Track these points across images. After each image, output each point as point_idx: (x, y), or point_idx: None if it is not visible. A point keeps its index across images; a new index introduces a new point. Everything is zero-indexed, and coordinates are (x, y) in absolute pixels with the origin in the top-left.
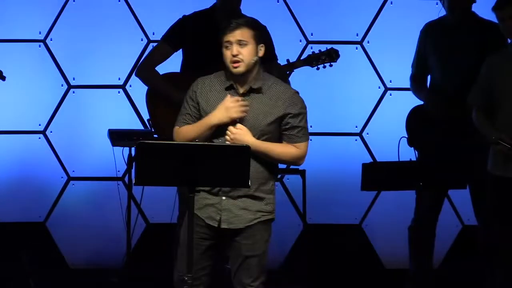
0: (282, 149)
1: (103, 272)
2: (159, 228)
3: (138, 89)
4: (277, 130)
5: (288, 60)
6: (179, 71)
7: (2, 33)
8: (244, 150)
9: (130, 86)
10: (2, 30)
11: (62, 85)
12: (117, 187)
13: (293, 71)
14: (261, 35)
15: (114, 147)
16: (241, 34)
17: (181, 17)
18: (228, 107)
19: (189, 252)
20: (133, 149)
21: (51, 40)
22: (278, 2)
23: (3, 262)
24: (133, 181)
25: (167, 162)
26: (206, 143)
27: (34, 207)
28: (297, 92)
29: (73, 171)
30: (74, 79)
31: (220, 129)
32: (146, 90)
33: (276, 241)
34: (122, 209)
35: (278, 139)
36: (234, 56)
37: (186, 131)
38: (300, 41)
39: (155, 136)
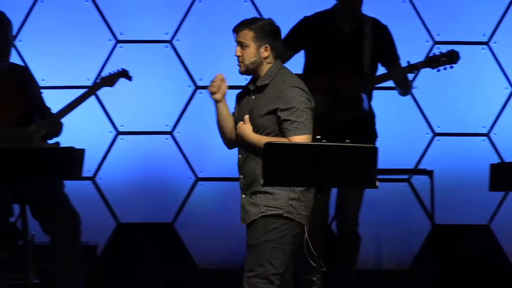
0: None
1: (231, 272)
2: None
3: None
4: (274, 125)
5: (408, 62)
6: (301, 72)
7: (129, 34)
8: (371, 151)
9: None
10: (129, 31)
11: (189, 86)
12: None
13: (414, 72)
14: (265, 36)
15: None
16: (241, 36)
17: (302, 18)
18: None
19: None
20: None
21: (177, 41)
22: (404, 2)
23: (131, 263)
24: (261, 182)
25: (294, 162)
26: (333, 143)
27: (162, 208)
28: (296, 86)
29: (201, 172)
30: (201, 79)
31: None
32: None
33: (404, 241)
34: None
35: (280, 135)
36: (237, 57)
37: None
38: (427, 41)
39: None
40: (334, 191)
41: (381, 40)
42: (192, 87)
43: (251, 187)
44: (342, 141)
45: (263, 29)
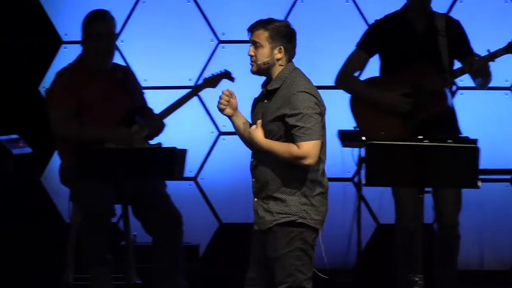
0: (282, 148)
1: (333, 272)
2: (390, 229)
3: None
4: (282, 130)
5: (488, 50)
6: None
7: (231, 34)
8: (472, 151)
9: None
10: (231, 31)
11: None
12: (347, 188)
13: (494, 60)
14: (280, 37)
15: (344, 148)
16: (256, 35)
17: (373, 22)
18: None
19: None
20: (362, 149)
21: None
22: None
23: (233, 263)
24: (363, 182)
25: (397, 162)
26: (435, 143)
27: None
28: (303, 91)
29: None
30: None
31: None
32: (350, 97)
33: (507, 241)
34: (352, 210)
35: (289, 140)
36: (250, 56)
37: None
38: None
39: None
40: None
41: (455, 34)
42: None
43: (263, 191)
44: (441, 140)
45: (279, 30)
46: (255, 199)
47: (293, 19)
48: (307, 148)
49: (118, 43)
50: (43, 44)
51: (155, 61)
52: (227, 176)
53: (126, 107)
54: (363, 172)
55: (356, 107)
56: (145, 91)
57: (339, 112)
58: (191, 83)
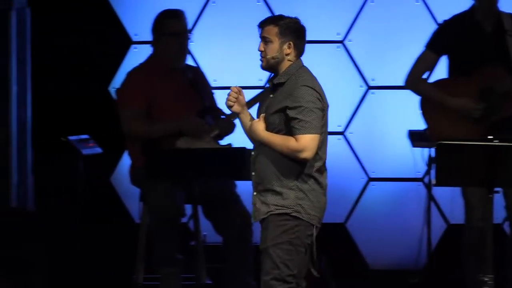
0: (281, 141)
1: (403, 273)
2: (460, 229)
3: None
4: (283, 123)
5: None
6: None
7: None
8: None
9: None
10: None
11: (361, 86)
12: (417, 188)
13: None
14: (289, 33)
15: (414, 148)
16: (266, 31)
17: (441, 22)
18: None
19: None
20: (432, 150)
21: (349, 41)
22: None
23: None
24: (433, 182)
25: (468, 162)
26: (507, 143)
27: (334, 208)
28: (306, 86)
29: (373, 172)
30: (373, 80)
31: None
32: (420, 99)
33: None
34: (422, 210)
35: (289, 134)
36: (260, 52)
37: None
38: None
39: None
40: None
41: None
42: (364, 87)
43: (261, 184)
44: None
45: (288, 26)
46: (254, 193)
47: (364, 19)
48: (305, 141)
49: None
50: (113, 45)
51: (225, 61)
52: None
53: (197, 107)
54: (433, 172)
55: (426, 109)
56: (215, 91)
57: (409, 112)
58: (261, 83)
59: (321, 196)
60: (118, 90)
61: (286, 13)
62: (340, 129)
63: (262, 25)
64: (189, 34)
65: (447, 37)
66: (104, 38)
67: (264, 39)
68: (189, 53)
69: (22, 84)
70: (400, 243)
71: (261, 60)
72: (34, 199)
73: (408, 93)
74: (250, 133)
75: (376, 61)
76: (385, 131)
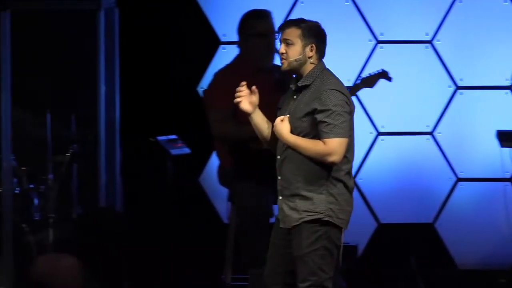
0: (309, 144)
1: (491, 273)
2: None
3: None
4: (310, 126)
5: None
6: None
7: (390, 34)
8: None
9: None
10: (389, 31)
11: (449, 86)
12: (505, 188)
13: None
14: (312, 35)
15: (502, 148)
16: (288, 33)
17: None
18: None
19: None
20: None
21: (438, 41)
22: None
23: (391, 263)
24: None
25: None
26: None
27: (422, 208)
28: (334, 89)
29: (461, 172)
30: (461, 79)
31: None
32: None
33: None
34: (510, 209)
35: (316, 137)
36: (281, 54)
37: None
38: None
39: None
40: None
41: None
42: (453, 87)
43: (288, 189)
44: None
45: (311, 28)
46: (280, 197)
47: (452, 19)
48: (333, 145)
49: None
50: (202, 45)
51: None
52: (385, 176)
53: None
54: None
55: None
56: None
57: (497, 112)
58: (350, 84)
59: (349, 200)
60: (205, 91)
61: (374, 14)
62: (428, 129)
63: (283, 27)
64: (276, 35)
65: None
66: (193, 38)
67: (286, 41)
68: (277, 52)
69: (111, 85)
70: (488, 242)
71: (282, 62)
72: (122, 199)
73: (496, 93)
74: (271, 137)
75: (464, 61)
76: (473, 131)
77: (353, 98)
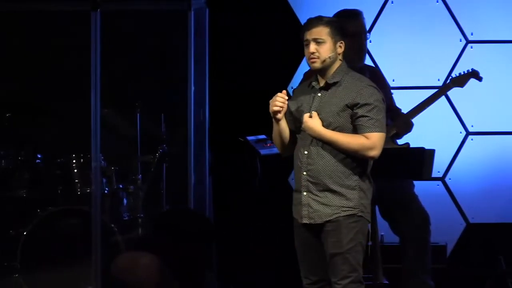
0: (349, 139)
1: None
2: None
3: None
4: (348, 122)
5: None
6: None
7: (480, 34)
8: None
9: None
10: (480, 31)
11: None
12: None
13: None
14: (340, 32)
15: None
16: (317, 32)
17: None
18: (271, 102)
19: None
20: None
21: None
22: (437, 2)
23: (481, 263)
24: None
25: None
26: None
27: (511, 208)
28: (372, 86)
29: None
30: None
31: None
32: None
33: None
34: None
35: (351, 132)
36: (311, 53)
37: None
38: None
39: None
40: None
41: None
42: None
43: (318, 184)
44: None
45: (337, 26)
46: (304, 193)
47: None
48: (375, 139)
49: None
50: (291, 44)
51: (403, 61)
52: (474, 176)
53: None
54: None
55: None
56: (393, 91)
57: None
58: (439, 83)
59: (372, 193)
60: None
61: (465, 13)
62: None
63: (310, 27)
64: (367, 34)
65: None
66: (282, 37)
67: (316, 40)
68: (367, 53)
69: (200, 84)
70: None
71: (313, 61)
72: (212, 199)
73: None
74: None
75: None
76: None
77: (443, 98)
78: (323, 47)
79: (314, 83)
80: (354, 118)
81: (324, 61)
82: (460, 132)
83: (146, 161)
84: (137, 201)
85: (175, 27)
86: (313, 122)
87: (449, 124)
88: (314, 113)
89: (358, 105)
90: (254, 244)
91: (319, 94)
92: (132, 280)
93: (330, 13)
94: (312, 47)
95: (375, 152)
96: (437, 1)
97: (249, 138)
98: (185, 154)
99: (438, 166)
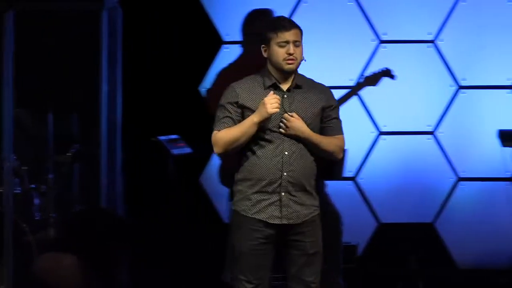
0: (329, 140)
1: (491, 272)
2: None
3: None
4: (318, 123)
5: None
6: None
7: (393, 34)
8: None
9: None
10: (392, 31)
11: (451, 86)
12: (506, 188)
13: None
14: None
15: (504, 148)
16: (296, 34)
17: None
18: (268, 103)
19: None
20: None
21: (441, 41)
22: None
23: (391, 262)
24: None
25: None
26: None
27: (423, 208)
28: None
29: (463, 172)
30: (464, 79)
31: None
32: None
33: None
34: (511, 209)
35: (319, 132)
36: (291, 54)
37: (228, 133)
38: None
39: None
40: None
41: None
42: (455, 87)
43: (295, 185)
44: None
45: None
46: (283, 193)
47: (455, 19)
48: (343, 141)
49: None
50: (204, 45)
51: (316, 61)
52: (386, 176)
53: None
54: None
55: None
56: None
57: (499, 112)
58: (352, 83)
59: None
60: (208, 90)
61: (378, 13)
62: (430, 129)
63: (291, 28)
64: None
65: None
66: (195, 38)
67: (295, 43)
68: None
69: (113, 84)
70: (489, 242)
71: (291, 63)
72: (123, 199)
73: (498, 92)
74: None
75: (467, 61)
76: (475, 131)
77: (355, 98)
78: (298, 50)
79: (278, 85)
80: (326, 120)
81: (298, 63)
82: (372, 132)
83: (58, 161)
84: (49, 201)
85: (89, 27)
86: (298, 122)
87: (361, 124)
88: (295, 114)
89: (332, 107)
90: (166, 243)
91: (285, 96)
92: (54, 280)
93: (242, 13)
94: (292, 48)
95: (342, 154)
96: (350, 1)
97: (161, 138)
98: (98, 154)
99: (350, 166)
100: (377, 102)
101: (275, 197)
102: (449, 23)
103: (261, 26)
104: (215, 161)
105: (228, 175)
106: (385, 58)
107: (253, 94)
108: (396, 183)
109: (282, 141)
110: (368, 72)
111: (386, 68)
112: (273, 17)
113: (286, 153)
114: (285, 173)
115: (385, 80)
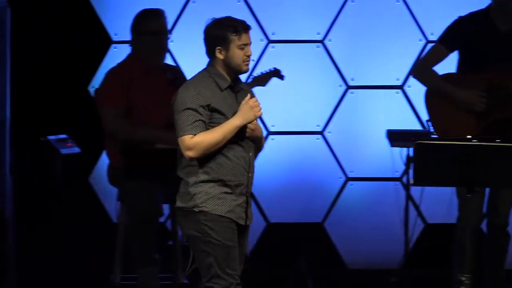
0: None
1: (381, 272)
2: (438, 228)
3: (417, 90)
4: None
5: None
6: (455, 71)
7: (282, 33)
8: None
9: (409, 86)
10: (281, 31)
11: (340, 86)
12: (395, 188)
13: None
14: None
15: (392, 148)
16: (249, 36)
17: (456, 18)
18: (252, 107)
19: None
20: (411, 149)
21: (329, 41)
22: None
23: (281, 262)
24: (411, 182)
25: (446, 162)
26: (489, 143)
27: (312, 208)
28: None
29: (351, 172)
30: (352, 79)
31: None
32: (425, 90)
33: None
34: (400, 209)
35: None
36: (248, 56)
37: (207, 137)
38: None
39: (434, 136)
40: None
41: None
42: (344, 87)
43: (251, 186)
44: (495, 141)
45: None
46: (247, 195)
47: (344, 19)
48: None
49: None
50: (93, 44)
51: (203, 60)
52: (275, 176)
53: None
54: (411, 171)
55: (430, 101)
56: None
57: (387, 112)
58: None
59: None
60: (97, 90)
61: (266, 13)
62: (318, 129)
63: (247, 30)
64: (168, 34)
65: (459, 34)
66: (84, 37)
67: (249, 44)
68: (169, 52)
69: (1, 84)
70: (378, 242)
71: (246, 63)
72: (12, 198)
73: (387, 93)
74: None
75: (356, 61)
76: (364, 130)
77: None
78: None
79: (232, 83)
80: None
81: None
82: None
83: None
84: None
85: None
86: (260, 128)
87: None
88: (255, 121)
89: None
90: (54, 242)
91: (237, 97)
92: None
93: (131, 12)
94: (250, 50)
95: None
96: (239, 1)
97: (50, 137)
98: None
99: None
100: (266, 102)
101: (241, 199)
102: (337, 23)
103: (213, 27)
104: (104, 161)
105: (117, 174)
106: (274, 58)
107: (216, 96)
108: (285, 183)
109: (247, 143)
110: (257, 72)
111: (275, 68)
112: (224, 18)
113: (250, 154)
114: (250, 175)
115: (274, 80)
